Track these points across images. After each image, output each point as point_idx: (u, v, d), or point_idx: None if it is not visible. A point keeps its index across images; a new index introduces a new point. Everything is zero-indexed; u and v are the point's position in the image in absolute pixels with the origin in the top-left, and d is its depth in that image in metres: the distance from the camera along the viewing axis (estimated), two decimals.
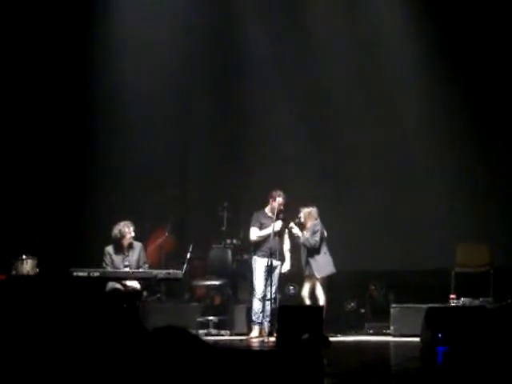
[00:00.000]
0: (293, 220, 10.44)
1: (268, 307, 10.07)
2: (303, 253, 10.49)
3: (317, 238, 10.37)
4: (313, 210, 10.51)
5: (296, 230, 10.43)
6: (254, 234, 10.40)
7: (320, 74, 12.05)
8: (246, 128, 12.42)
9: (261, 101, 12.28)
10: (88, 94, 12.19)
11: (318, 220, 10.50)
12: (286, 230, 10.44)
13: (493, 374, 3.94)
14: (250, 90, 12.30)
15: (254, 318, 10.24)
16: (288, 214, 10.38)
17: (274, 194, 10.32)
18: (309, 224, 10.48)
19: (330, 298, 10.40)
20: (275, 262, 10.18)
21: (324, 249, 10.45)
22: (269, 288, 10.07)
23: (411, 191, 11.71)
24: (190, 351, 4.14)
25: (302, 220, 10.48)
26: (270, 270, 10.09)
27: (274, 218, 10.25)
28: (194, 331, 10.42)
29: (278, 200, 10.27)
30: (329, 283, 10.42)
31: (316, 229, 10.41)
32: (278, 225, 10.22)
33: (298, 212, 10.50)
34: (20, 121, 11.86)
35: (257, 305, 10.21)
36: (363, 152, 11.99)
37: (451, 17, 11.53)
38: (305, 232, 10.48)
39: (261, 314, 10.15)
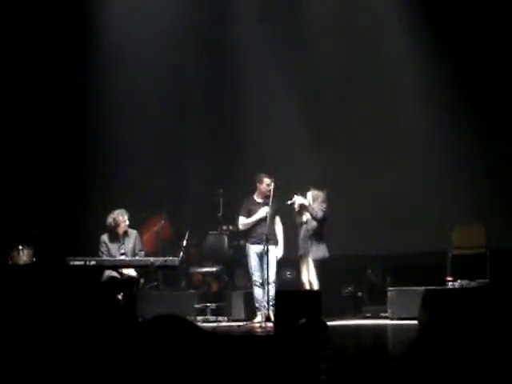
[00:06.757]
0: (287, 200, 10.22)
1: (272, 292, 9.92)
2: (303, 231, 10.28)
3: (322, 213, 10.19)
4: (322, 193, 10.35)
5: (301, 200, 10.11)
6: (241, 222, 10.30)
7: (319, 54, 12.07)
8: (242, 114, 12.40)
9: (258, 86, 12.23)
10: (84, 83, 12.13)
11: (325, 205, 10.36)
12: (277, 218, 10.26)
13: (489, 356, 3.95)
14: (247, 72, 12.29)
15: (256, 304, 10.15)
16: (279, 197, 10.18)
17: (261, 177, 10.18)
18: (314, 205, 10.33)
19: (326, 283, 10.36)
20: (270, 247, 10.04)
21: (323, 233, 10.36)
22: (266, 273, 10.00)
23: (407, 174, 11.67)
24: (188, 339, 4.15)
25: (308, 199, 10.32)
26: (265, 255, 9.98)
27: (263, 202, 10.12)
28: (191, 318, 10.46)
29: (266, 182, 10.12)
30: (321, 268, 10.25)
31: (323, 208, 10.23)
32: (265, 210, 10.04)
33: (306, 191, 10.28)
34: (16, 113, 11.84)
35: (257, 291, 10.13)
36: (360, 137, 11.96)
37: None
38: (307, 213, 10.36)
39: (263, 300, 10.07)
